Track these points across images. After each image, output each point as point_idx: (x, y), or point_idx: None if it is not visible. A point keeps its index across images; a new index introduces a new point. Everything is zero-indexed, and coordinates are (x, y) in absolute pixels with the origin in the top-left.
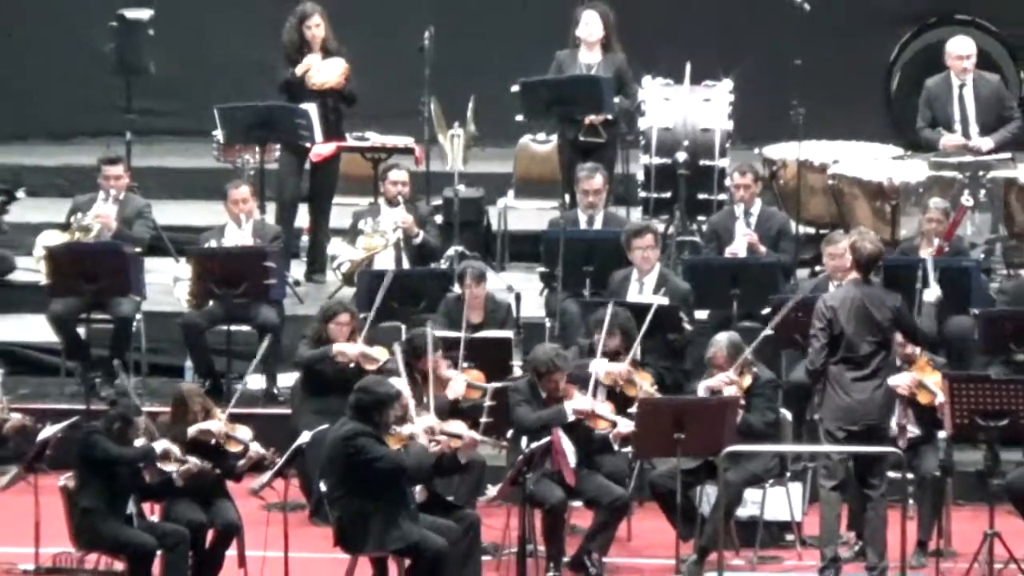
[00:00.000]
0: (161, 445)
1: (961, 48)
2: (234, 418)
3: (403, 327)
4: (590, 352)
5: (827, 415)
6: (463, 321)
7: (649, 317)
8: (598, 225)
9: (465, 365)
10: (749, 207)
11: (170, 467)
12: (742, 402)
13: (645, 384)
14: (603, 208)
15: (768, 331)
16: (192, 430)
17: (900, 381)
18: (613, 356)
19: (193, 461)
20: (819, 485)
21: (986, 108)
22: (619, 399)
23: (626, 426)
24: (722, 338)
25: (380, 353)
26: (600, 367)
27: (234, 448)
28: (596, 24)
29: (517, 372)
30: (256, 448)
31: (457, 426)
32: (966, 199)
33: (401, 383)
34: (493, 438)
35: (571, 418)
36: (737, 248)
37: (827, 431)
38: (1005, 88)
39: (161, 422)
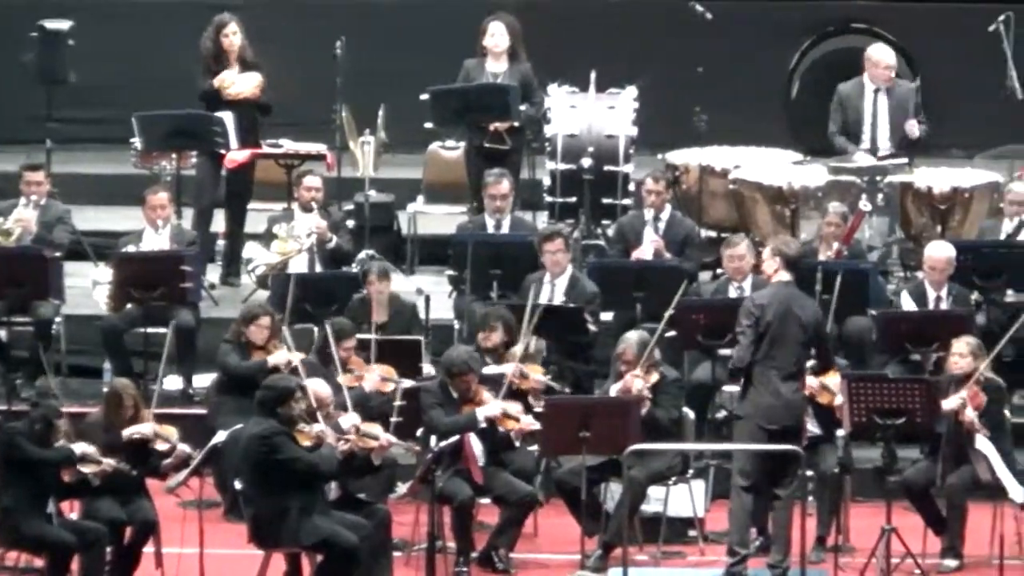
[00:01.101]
0: (80, 448)
1: (887, 56)
2: (157, 418)
3: (316, 329)
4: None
5: (750, 413)
6: (369, 321)
7: (535, 316)
8: (505, 229)
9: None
10: (659, 213)
11: (88, 468)
12: (649, 396)
13: (536, 375)
14: (510, 213)
15: (663, 326)
16: (126, 434)
17: (805, 383)
18: (496, 352)
19: (108, 462)
20: (733, 483)
21: (898, 114)
22: (523, 396)
23: (529, 423)
24: (631, 336)
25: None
26: (488, 371)
27: (162, 447)
28: (502, 34)
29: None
30: (183, 448)
31: (375, 428)
32: (864, 204)
33: (320, 383)
34: (407, 441)
35: (482, 425)
36: (644, 252)
37: (748, 429)
38: (916, 95)
39: (91, 420)
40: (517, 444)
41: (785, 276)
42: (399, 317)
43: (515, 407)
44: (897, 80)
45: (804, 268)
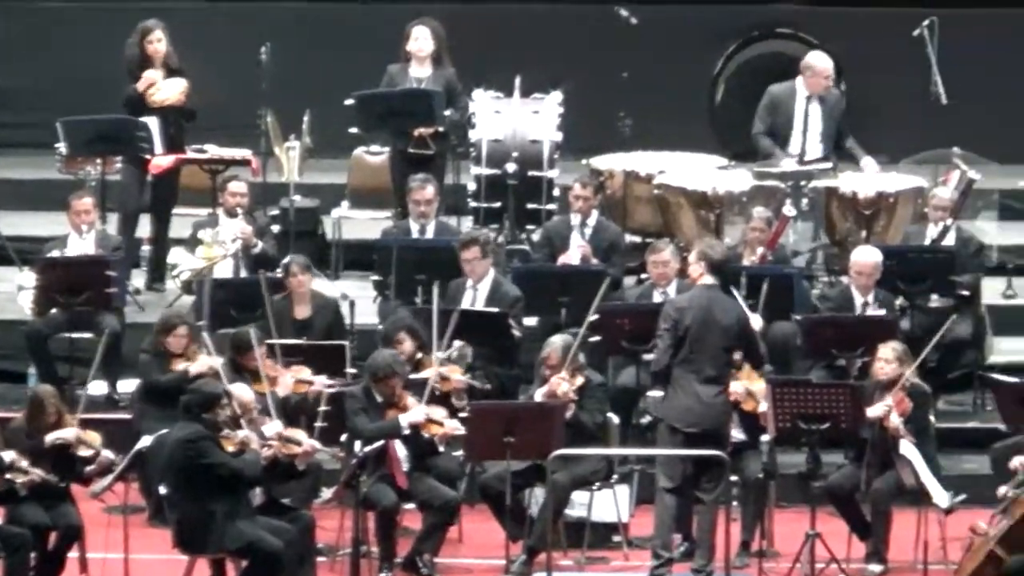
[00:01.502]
0: (9, 456)
1: (826, 65)
2: (81, 424)
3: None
4: None
5: (668, 415)
6: (292, 319)
7: (452, 322)
8: (430, 234)
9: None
10: (586, 218)
11: (15, 477)
12: (574, 399)
13: (456, 375)
14: (435, 218)
15: (587, 335)
16: (49, 439)
17: (731, 389)
18: (411, 359)
19: (36, 472)
20: (656, 486)
21: (830, 123)
22: (446, 399)
23: (453, 428)
24: (556, 340)
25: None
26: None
27: (85, 453)
28: (427, 39)
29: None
30: (107, 454)
31: (298, 434)
32: (788, 209)
33: (243, 388)
34: (331, 447)
35: (406, 431)
36: (570, 257)
37: (667, 431)
38: (842, 102)
39: (14, 425)
40: (441, 449)
41: (709, 280)
42: (322, 313)
43: (439, 412)
44: (829, 88)
45: (729, 272)
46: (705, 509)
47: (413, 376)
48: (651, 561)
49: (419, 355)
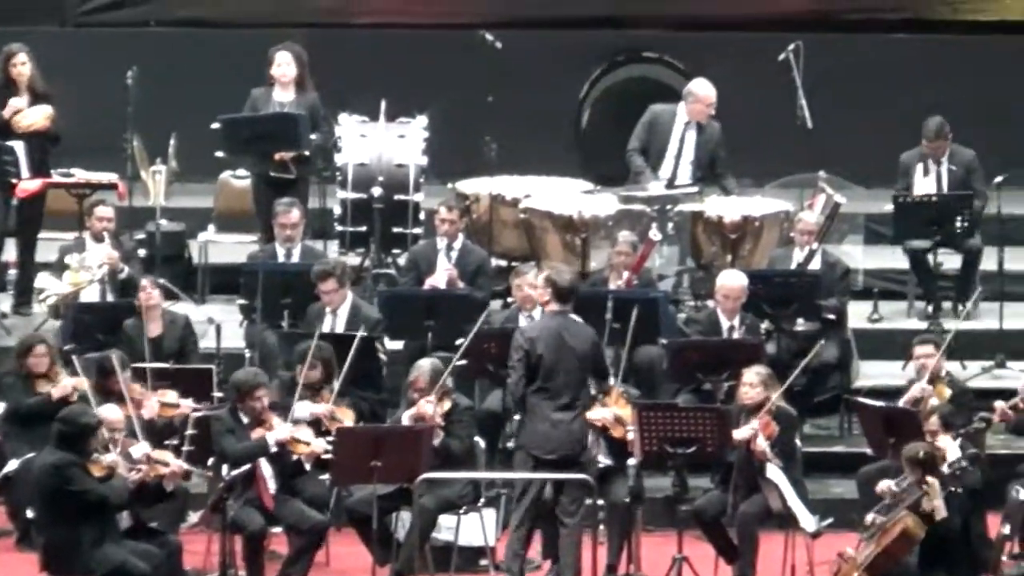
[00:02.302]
0: None
1: (708, 92)
2: None
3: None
4: (292, 385)
5: (525, 442)
6: (145, 338)
7: (355, 347)
8: (296, 258)
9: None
10: (452, 241)
11: None
12: (441, 424)
13: (347, 420)
14: (300, 241)
15: (459, 360)
16: None
17: (599, 415)
18: (314, 388)
19: None
20: (511, 511)
21: (703, 152)
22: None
23: (320, 447)
24: (425, 363)
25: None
26: (303, 410)
27: None
28: (289, 64)
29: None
30: None
31: (166, 455)
32: (654, 233)
33: (112, 409)
34: (199, 467)
35: (273, 449)
36: (437, 280)
37: (526, 458)
38: (721, 135)
39: None
40: (308, 467)
41: (555, 307)
42: (172, 330)
43: (305, 432)
44: (709, 119)
45: (582, 297)
46: (568, 532)
47: (305, 408)
48: None
49: (322, 387)
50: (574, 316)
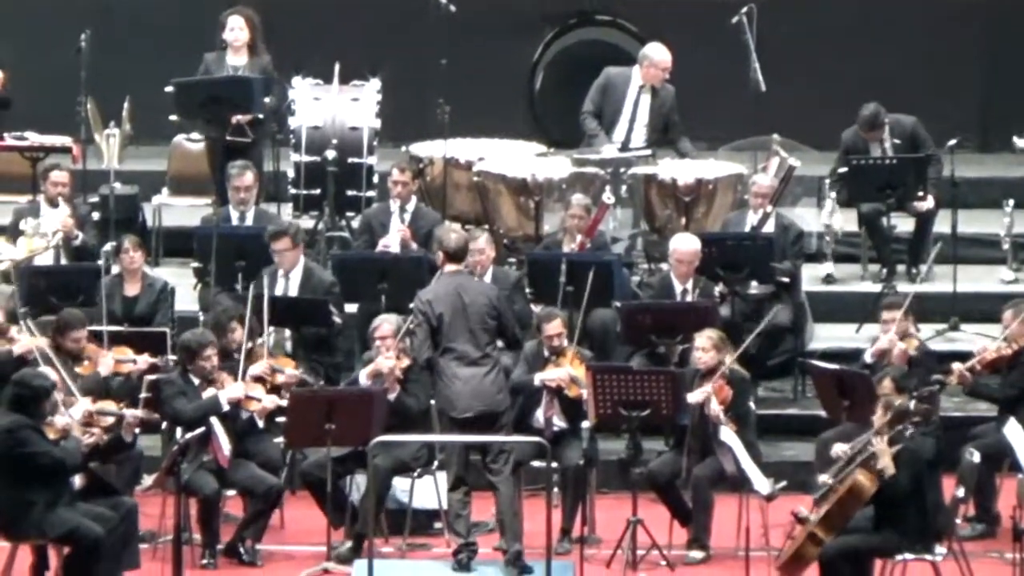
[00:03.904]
0: None
1: (663, 56)
2: None
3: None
4: (226, 355)
5: (441, 405)
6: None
7: (264, 309)
8: (250, 221)
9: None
10: (405, 203)
11: None
12: (399, 376)
13: (288, 369)
14: (254, 205)
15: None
16: None
17: (554, 375)
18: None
19: None
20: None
21: (658, 116)
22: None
23: (273, 401)
24: (390, 316)
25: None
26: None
27: None
28: (241, 28)
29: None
30: None
31: (109, 405)
32: (608, 197)
33: (49, 371)
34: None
35: (226, 408)
36: (391, 242)
37: (447, 421)
38: (675, 99)
39: None
40: (261, 424)
41: (451, 267)
42: (149, 292)
43: (257, 388)
44: (665, 81)
45: (535, 260)
46: (502, 492)
47: (253, 371)
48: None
49: (250, 344)
50: (473, 276)
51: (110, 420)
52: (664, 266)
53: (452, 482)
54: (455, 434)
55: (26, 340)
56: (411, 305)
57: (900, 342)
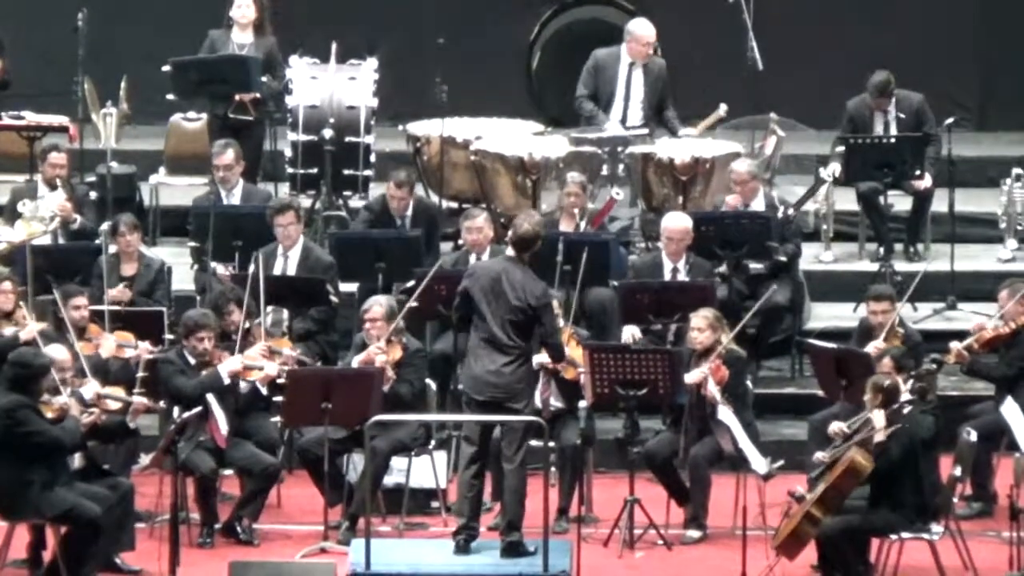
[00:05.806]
0: None
1: (648, 32)
2: None
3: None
4: (223, 337)
5: (462, 382)
6: (119, 277)
7: (261, 289)
8: (236, 200)
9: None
10: (403, 212)
11: None
12: (391, 375)
13: (285, 349)
14: (240, 183)
15: (412, 303)
16: None
17: (545, 359)
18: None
19: None
20: (461, 453)
21: (652, 91)
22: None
23: (273, 370)
24: (380, 298)
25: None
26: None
27: None
28: (249, 6)
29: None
30: None
31: (117, 391)
32: (616, 192)
33: (59, 349)
34: (153, 401)
35: (227, 381)
36: None
37: (464, 400)
38: (665, 72)
39: None
40: (264, 391)
41: (510, 251)
42: (147, 272)
43: (257, 359)
44: (652, 57)
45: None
46: (507, 475)
47: (250, 353)
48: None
49: (247, 325)
50: (526, 269)
51: (117, 405)
52: (661, 245)
53: (467, 462)
54: (470, 413)
55: (33, 326)
56: None
57: (883, 343)
